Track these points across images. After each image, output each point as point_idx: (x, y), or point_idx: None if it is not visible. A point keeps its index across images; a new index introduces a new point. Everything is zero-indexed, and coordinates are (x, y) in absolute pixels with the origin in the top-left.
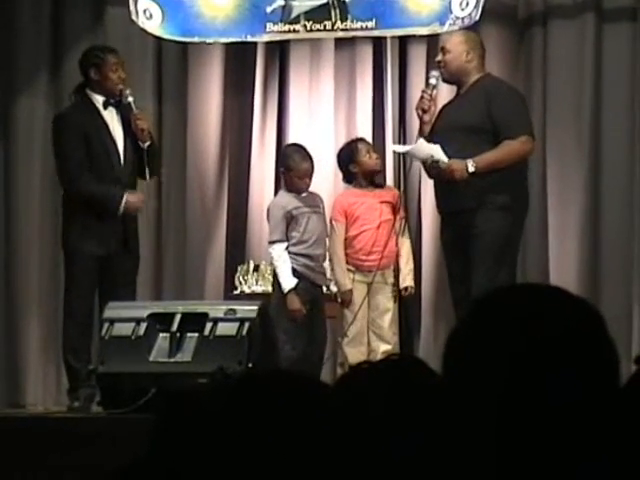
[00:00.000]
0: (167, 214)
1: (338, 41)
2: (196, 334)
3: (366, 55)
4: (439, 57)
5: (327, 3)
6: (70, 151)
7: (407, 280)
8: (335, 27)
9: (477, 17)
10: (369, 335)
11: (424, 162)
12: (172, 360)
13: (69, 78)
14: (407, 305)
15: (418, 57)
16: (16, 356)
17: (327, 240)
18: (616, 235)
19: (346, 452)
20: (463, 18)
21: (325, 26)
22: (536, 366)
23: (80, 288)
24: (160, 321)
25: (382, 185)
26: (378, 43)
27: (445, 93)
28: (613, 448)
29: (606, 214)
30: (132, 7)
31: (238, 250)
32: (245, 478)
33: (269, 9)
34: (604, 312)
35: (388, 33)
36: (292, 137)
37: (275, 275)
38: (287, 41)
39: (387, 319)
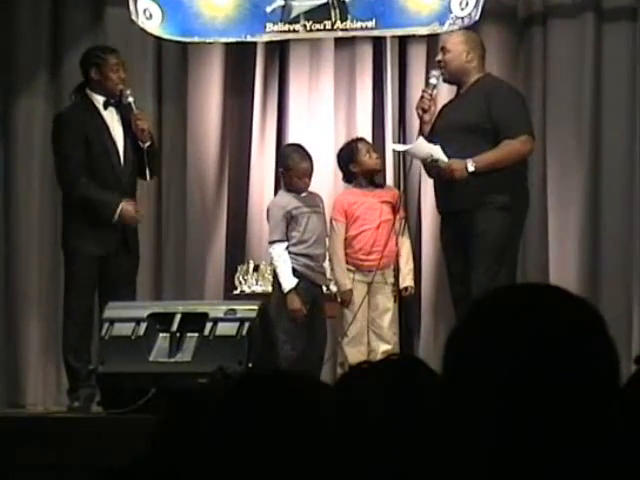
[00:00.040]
0: (167, 214)
1: (338, 41)
2: (196, 334)
3: (366, 55)
4: (439, 57)
5: (327, 3)
6: (69, 151)
7: (407, 280)
8: (335, 27)
9: (477, 17)
10: (369, 335)
11: (424, 161)
12: (172, 360)
13: (69, 78)
14: (407, 305)
15: (418, 57)
16: (16, 356)
17: (327, 240)
18: (616, 235)
19: (346, 452)
20: (463, 18)
21: (325, 26)
22: (536, 366)
23: (80, 288)
24: (160, 321)
25: (382, 185)
26: (378, 43)
27: (445, 93)
28: (613, 448)
29: (606, 214)
30: (132, 7)
31: (238, 250)
32: (245, 478)
33: (269, 9)
34: (604, 312)
35: (388, 33)
36: (292, 137)
37: (275, 275)
38: (287, 41)
39: (387, 319)
